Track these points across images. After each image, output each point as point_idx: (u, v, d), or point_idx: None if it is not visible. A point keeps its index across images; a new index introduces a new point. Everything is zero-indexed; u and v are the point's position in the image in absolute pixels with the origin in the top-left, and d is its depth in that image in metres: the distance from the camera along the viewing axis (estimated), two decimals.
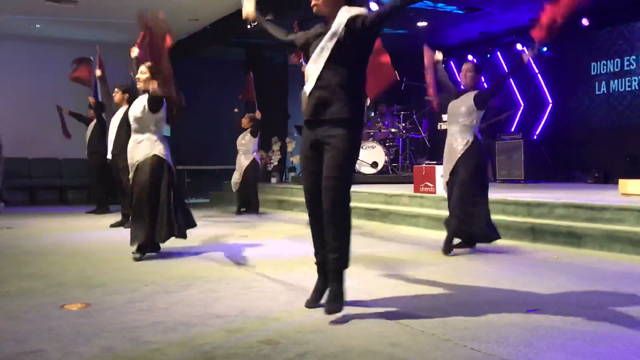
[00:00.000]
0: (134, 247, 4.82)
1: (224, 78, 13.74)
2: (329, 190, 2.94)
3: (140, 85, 5.02)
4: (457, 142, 4.99)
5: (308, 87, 3.02)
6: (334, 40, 2.95)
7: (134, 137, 4.95)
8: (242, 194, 9.14)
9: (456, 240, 5.06)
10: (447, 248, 4.92)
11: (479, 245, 5.12)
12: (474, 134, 4.96)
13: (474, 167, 4.92)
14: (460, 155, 4.94)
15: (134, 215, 4.88)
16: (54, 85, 12.39)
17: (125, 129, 6.67)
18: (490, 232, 4.98)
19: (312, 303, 3.15)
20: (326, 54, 2.96)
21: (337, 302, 2.93)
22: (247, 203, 9.15)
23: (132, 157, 4.93)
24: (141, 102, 4.98)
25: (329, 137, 2.96)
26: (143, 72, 4.98)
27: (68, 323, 2.92)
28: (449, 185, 5.08)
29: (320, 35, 3.07)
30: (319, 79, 2.98)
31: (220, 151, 12.38)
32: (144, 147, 4.87)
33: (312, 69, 3.01)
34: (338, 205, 2.95)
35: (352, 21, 2.95)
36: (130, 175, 4.96)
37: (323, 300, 3.09)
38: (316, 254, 3.15)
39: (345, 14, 2.98)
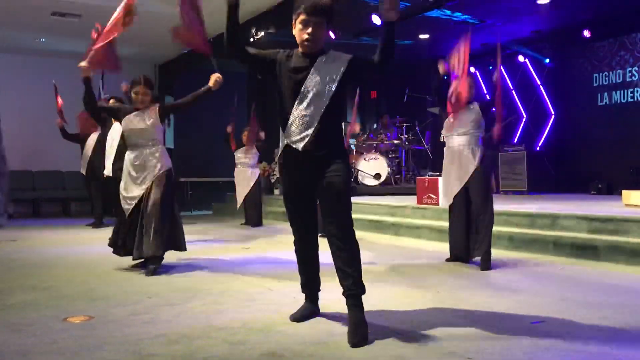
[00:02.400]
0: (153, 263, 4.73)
1: (227, 90, 13.77)
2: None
3: (138, 101, 4.88)
4: (468, 154, 4.88)
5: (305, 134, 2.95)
6: (334, 85, 2.95)
7: (139, 151, 4.82)
8: (250, 207, 9.13)
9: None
10: (487, 265, 4.77)
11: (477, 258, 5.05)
12: (481, 145, 4.92)
13: (488, 180, 4.89)
14: (475, 167, 4.83)
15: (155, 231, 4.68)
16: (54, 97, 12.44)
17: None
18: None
19: (299, 319, 3.17)
20: (327, 101, 2.95)
21: (361, 339, 2.75)
22: (253, 215, 9.13)
23: (139, 172, 4.79)
24: (142, 114, 4.86)
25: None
26: (139, 92, 4.88)
27: (71, 336, 2.92)
28: (457, 199, 4.96)
29: (301, 70, 3.00)
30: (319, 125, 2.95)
31: (223, 163, 12.39)
32: (156, 161, 4.79)
33: (306, 114, 2.96)
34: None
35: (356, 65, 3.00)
36: (134, 193, 4.78)
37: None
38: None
39: (340, 56, 3.00)
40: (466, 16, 9.81)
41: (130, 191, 4.85)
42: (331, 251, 2.98)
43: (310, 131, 2.94)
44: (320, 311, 3.28)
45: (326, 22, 2.98)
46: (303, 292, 3.30)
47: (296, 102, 2.98)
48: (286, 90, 3.03)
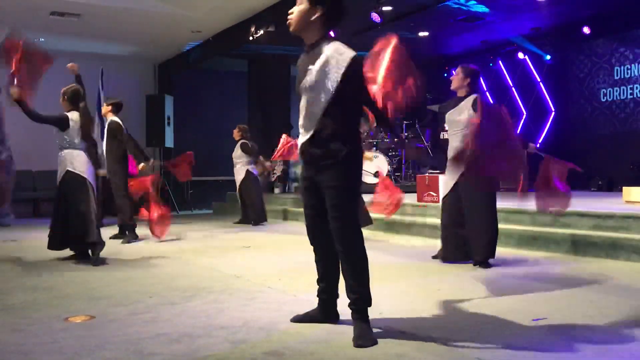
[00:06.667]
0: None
1: (227, 89, 13.77)
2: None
3: None
4: (455, 150, 4.83)
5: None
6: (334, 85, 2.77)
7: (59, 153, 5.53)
8: (242, 206, 9.16)
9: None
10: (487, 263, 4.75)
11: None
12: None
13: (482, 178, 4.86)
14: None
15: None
16: (58, 98, 12.44)
17: (116, 142, 6.80)
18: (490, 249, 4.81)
19: (299, 320, 3.10)
20: (325, 100, 2.80)
21: (366, 340, 2.72)
22: (247, 215, 9.13)
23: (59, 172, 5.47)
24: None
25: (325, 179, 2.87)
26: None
27: (72, 335, 2.92)
28: (450, 197, 4.94)
29: (303, 64, 2.90)
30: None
31: (222, 162, 12.41)
32: (62, 163, 5.44)
33: (306, 111, 2.88)
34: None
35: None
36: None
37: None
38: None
39: (334, 54, 2.79)
40: (480, 6, 9.66)
41: None
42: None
43: (311, 130, 2.85)
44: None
45: (313, 6, 2.83)
46: (317, 296, 3.12)
47: (301, 99, 2.91)
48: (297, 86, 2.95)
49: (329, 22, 2.88)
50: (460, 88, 4.91)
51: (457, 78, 4.91)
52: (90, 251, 5.28)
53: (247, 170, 8.98)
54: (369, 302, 2.90)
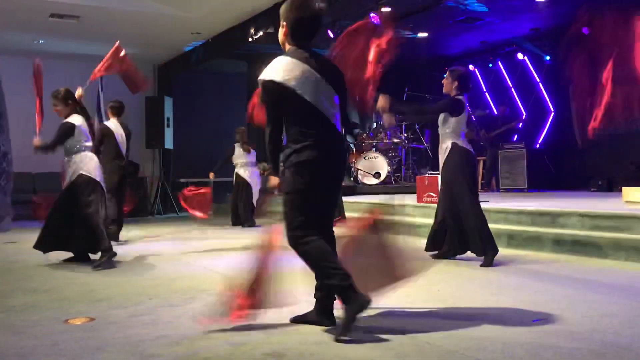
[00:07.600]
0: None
1: (226, 91, 13.77)
2: None
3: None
4: (440, 151, 5.09)
5: None
6: None
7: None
8: (233, 207, 9.30)
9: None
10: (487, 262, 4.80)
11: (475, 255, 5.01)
12: (453, 141, 4.96)
13: (458, 174, 4.90)
14: (442, 164, 5.01)
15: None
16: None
17: (113, 146, 6.84)
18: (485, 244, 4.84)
19: (296, 321, 3.14)
20: None
21: (342, 330, 2.79)
22: (238, 215, 9.24)
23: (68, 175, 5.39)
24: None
25: None
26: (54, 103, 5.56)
27: (72, 338, 2.92)
28: (440, 194, 5.18)
29: None
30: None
31: None
32: (74, 166, 5.34)
33: None
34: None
35: None
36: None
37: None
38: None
39: None
40: (479, 4, 9.60)
41: None
42: None
43: None
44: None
45: (281, 24, 3.09)
46: (314, 296, 3.13)
47: None
48: None
49: (294, 34, 3.07)
50: (450, 91, 5.12)
51: (446, 82, 5.15)
52: (100, 254, 5.15)
53: (236, 173, 9.23)
54: (336, 292, 2.91)
